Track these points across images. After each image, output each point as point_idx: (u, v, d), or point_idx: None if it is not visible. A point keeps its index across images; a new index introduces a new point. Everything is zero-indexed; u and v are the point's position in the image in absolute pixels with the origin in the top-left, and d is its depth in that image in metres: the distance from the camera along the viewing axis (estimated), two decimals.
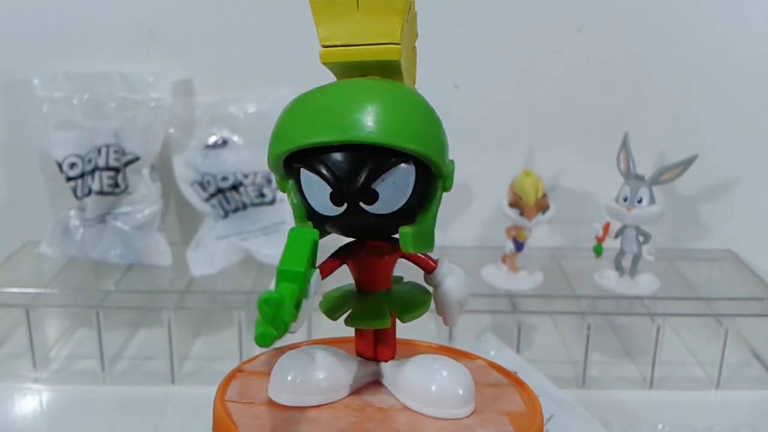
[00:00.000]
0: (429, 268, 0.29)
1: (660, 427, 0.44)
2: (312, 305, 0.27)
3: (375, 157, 0.25)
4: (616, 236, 0.53)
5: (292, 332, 0.26)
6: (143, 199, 0.58)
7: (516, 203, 0.53)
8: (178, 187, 0.60)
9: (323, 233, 0.28)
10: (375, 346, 0.29)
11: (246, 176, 0.59)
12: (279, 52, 0.60)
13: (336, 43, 0.28)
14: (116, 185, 0.57)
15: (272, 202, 0.59)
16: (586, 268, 0.56)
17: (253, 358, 0.32)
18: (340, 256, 0.29)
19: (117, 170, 0.57)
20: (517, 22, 0.60)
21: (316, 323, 0.51)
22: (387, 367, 0.29)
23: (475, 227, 0.64)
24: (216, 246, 0.58)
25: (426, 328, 0.54)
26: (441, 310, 0.29)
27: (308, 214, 0.28)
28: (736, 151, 0.62)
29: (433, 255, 0.29)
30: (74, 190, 0.58)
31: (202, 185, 0.59)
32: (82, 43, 0.60)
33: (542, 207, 0.54)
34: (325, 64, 0.29)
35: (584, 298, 0.52)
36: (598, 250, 0.54)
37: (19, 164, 0.63)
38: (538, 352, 0.54)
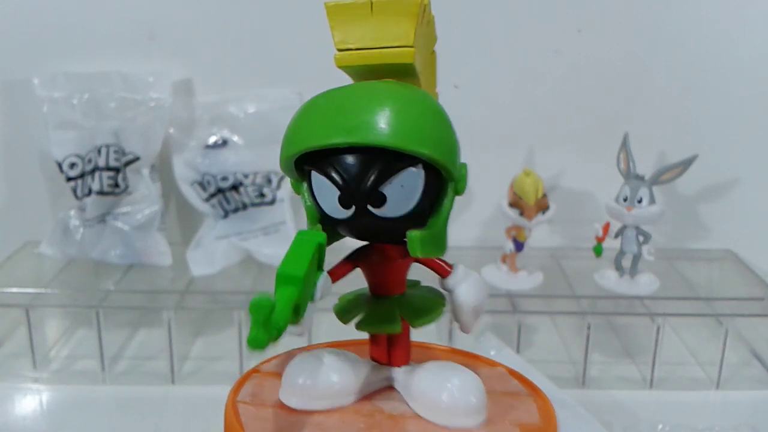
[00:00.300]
0: (443, 273, 0.29)
1: (660, 427, 0.44)
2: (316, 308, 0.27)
3: (383, 160, 0.25)
4: (616, 236, 0.53)
5: (299, 335, 0.26)
6: (143, 199, 0.58)
7: (516, 203, 0.53)
8: (178, 187, 0.60)
9: (336, 236, 0.28)
10: (389, 351, 0.29)
11: (246, 176, 0.59)
12: (279, 52, 0.60)
13: (350, 46, 0.28)
14: (116, 185, 0.57)
15: (272, 202, 0.59)
16: (586, 268, 0.56)
17: (271, 359, 0.32)
18: (352, 259, 0.29)
19: (117, 170, 0.57)
20: (517, 22, 0.60)
21: (315, 325, 0.51)
22: (400, 373, 0.29)
23: (475, 227, 0.64)
24: (216, 246, 0.58)
25: (426, 327, 0.54)
26: (456, 316, 0.29)
27: (320, 217, 0.28)
28: (736, 151, 0.62)
29: (450, 259, 0.29)
30: (74, 190, 0.58)
31: (202, 185, 0.59)
32: (82, 43, 0.60)
33: (542, 207, 0.54)
34: (340, 67, 0.29)
35: (584, 298, 0.52)
36: (598, 250, 0.54)
37: (19, 164, 0.63)
38: (538, 352, 0.54)
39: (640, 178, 0.52)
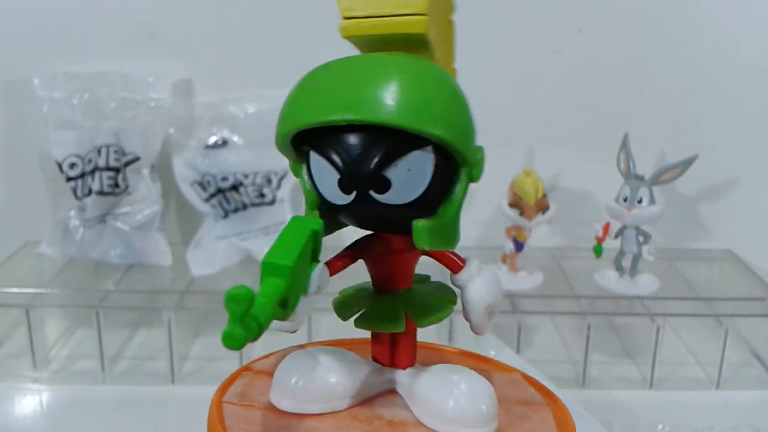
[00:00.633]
0: (454, 268, 0.26)
1: (660, 427, 0.44)
2: (312, 303, 0.25)
3: (388, 141, 0.23)
4: (616, 236, 0.53)
5: (292, 331, 0.24)
6: (143, 199, 0.58)
7: (516, 203, 0.53)
8: (178, 187, 0.60)
9: (337, 225, 0.26)
10: (392, 352, 0.27)
11: (246, 176, 0.59)
12: (279, 52, 0.60)
13: (357, 14, 0.25)
14: (116, 185, 0.57)
15: (272, 202, 0.59)
16: (586, 268, 0.56)
17: (265, 356, 0.30)
18: (353, 250, 0.27)
19: (117, 170, 0.57)
20: (517, 22, 0.60)
21: (316, 322, 0.51)
22: (404, 376, 0.27)
23: (475, 227, 0.64)
24: (216, 246, 0.58)
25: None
26: (467, 315, 0.27)
27: (320, 202, 0.25)
28: (736, 151, 0.62)
29: (463, 253, 0.27)
30: (74, 190, 0.58)
31: (202, 185, 0.59)
32: (82, 43, 0.60)
33: (542, 207, 0.53)
34: (345, 37, 0.26)
35: (584, 298, 0.52)
36: (598, 250, 0.54)
37: (19, 164, 0.63)
38: (538, 352, 0.54)
39: (640, 178, 0.52)
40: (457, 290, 0.27)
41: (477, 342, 0.49)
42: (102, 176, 0.57)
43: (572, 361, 0.53)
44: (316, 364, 0.26)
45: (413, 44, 0.25)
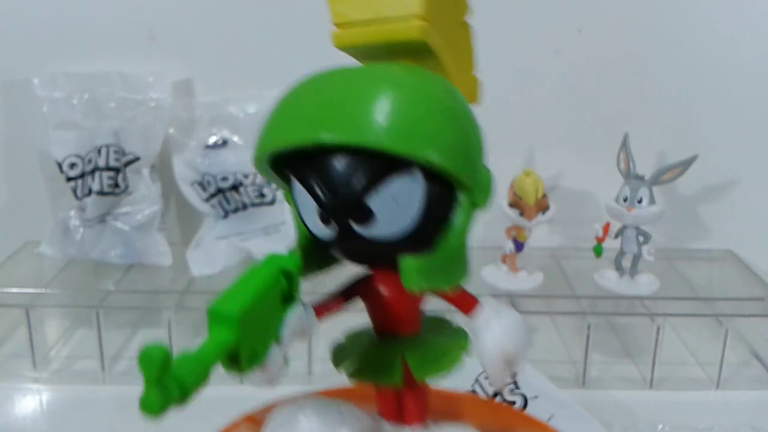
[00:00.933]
0: (465, 310, 0.23)
1: (660, 427, 0.44)
2: (286, 351, 0.22)
3: (367, 165, 0.20)
4: (616, 236, 0.53)
5: (268, 383, 0.21)
6: (143, 199, 0.58)
7: (516, 203, 0.53)
8: (178, 187, 0.60)
9: (333, 259, 0.23)
10: (397, 406, 0.24)
11: (246, 176, 0.59)
12: (279, 52, 0.60)
13: (350, 20, 0.22)
14: (116, 185, 0.57)
15: (272, 202, 0.59)
16: (586, 268, 0.56)
17: (270, 405, 0.26)
18: (348, 290, 0.24)
19: (117, 170, 0.57)
20: (517, 22, 0.60)
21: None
22: None
23: (475, 227, 0.64)
24: (216, 246, 0.58)
25: None
26: (482, 365, 0.23)
27: (309, 234, 0.22)
28: (736, 151, 0.62)
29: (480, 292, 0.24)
30: (74, 190, 0.58)
31: (202, 185, 0.59)
32: (82, 43, 0.60)
33: (542, 207, 0.53)
34: (339, 48, 0.23)
35: (584, 298, 0.52)
36: (598, 250, 0.54)
37: (19, 164, 0.63)
38: (538, 352, 0.54)
39: (640, 178, 0.52)
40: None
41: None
42: (102, 176, 0.57)
43: (572, 361, 0.53)
44: (309, 423, 0.23)
45: (414, 52, 0.22)
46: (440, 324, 0.25)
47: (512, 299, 0.52)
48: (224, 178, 0.59)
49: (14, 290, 0.52)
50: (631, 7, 0.59)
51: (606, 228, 0.53)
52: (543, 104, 0.62)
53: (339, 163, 0.20)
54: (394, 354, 0.23)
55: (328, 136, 0.19)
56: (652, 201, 0.51)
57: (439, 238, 0.21)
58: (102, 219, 0.58)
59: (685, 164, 0.52)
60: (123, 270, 0.58)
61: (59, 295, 0.53)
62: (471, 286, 0.25)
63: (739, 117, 0.62)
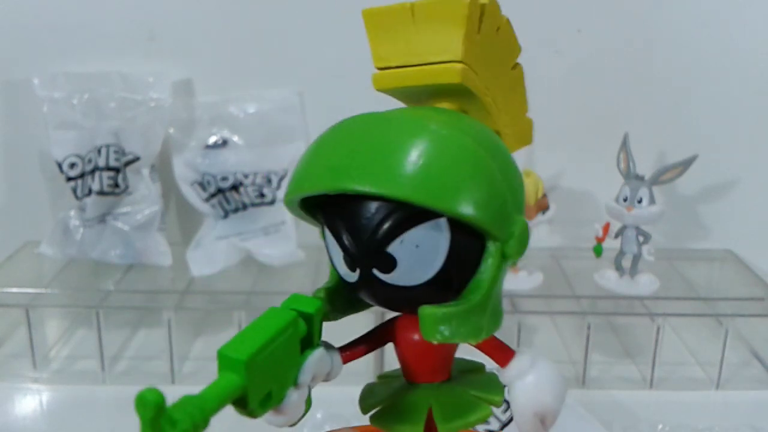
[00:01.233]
0: (500, 361, 0.23)
1: (660, 427, 0.44)
2: (304, 395, 0.22)
3: (393, 214, 0.20)
4: (616, 236, 0.53)
5: (286, 425, 0.22)
6: (143, 199, 0.58)
7: None
8: (178, 187, 0.60)
9: (361, 302, 0.23)
10: None
11: (246, 176, 0.59)
12: (279, 52, 0.60)
13: (390, 64, 0.22)
14: (116, 185, 0.57)
15: (272, 202, 0.59)
16: (586, 268, 0.56)
17: None
18: (378, 333, 0.24)
19: (117, 170, 0.57)
20: (517, 22, 0.60)
21: None
22: None
23: None
24: (216, 246, 0.58)
25: None
26: (515, 420, 0.22)
27: (338, 275, 0.22)
28: (736, 151, 0.62)
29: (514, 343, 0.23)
30: (74, 190, 0.58)
31: (202, 185, 0.59)
32: (82, 43, 0.60)
33: (542, 207, 0.53)
34: (380, 90, 0.23)
35: (584, 298, 0.52)
36: (598, 250, 0.54)
37: (19, 164, 0.63)
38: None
39: (640, 178, 0.52)
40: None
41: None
42: (102, 176, 0.57)
43: (572, 361, 0.53)
44: None
45: (455, 94, 0.22)
46: (474, 371, 0.24)
47: (512, 299, 0.52)
48: (224, 178, 0.59)
49: (14, 290, 0.52)
50: (631, 7, 0.59)
51: (606, 228, 0.53)
52: (543, 104, 0.61)
53: (364, 211, 0.20)
54: (420, 402, 0.23)
55: (352, 186, 0.19)
56: (652, 201, 0.51)
57: (465, 287, 0.21)
58: (102, 219, 0.58)
59: (685, 164, 0.52)
60: (123, 270, 0.58)
61: (59, 295, 0.53)
62: None
63: (739, 117, 0.62)
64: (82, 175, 0.58)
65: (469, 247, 0.21)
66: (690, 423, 0.44)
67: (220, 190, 0.59)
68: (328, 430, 0.27)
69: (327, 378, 0.22)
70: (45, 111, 0.58)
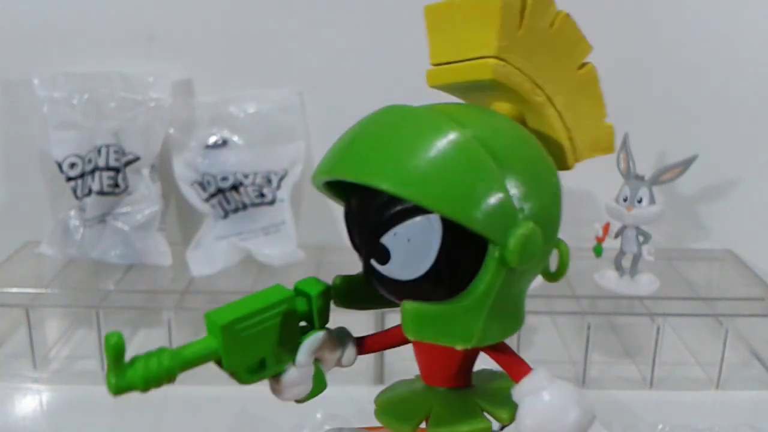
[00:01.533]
0: (514, 376, 0.22)
1: (660, 427, 0.44)
2: (306, 374, 0.23)
3: (386, 205, 0.20)
4: (616, 236, 0.53)
5: (281, 398, 0.23)
6: (143, 199, 0.58)
7: None
8: (178, 187, 0.60)
9: (380, 299, 0.23)
10: None
11: (246, 176, 0.59)
12: (279, 52, 0.60)
13: (439, 60, 0.22)
14: (116, 185, 0.57)
15: (272, 202, 0.59)
16: (586, 268, 0.56)
17: None
18: (397, 332, 0.23)
19: (117, 170, 0.57)
20: None
21: None
22: None
23: None
24: (216, 246, 0.58)
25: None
26: None
27: None
28: (736, 151, 0.62)
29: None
30: (74, 190, 0.58)
31: (202, 185, 0.59)
32: (82, 43, 0.60)
33: None
34: (432, 87, 0.23)
35: (584, 298, 0.52)
36: (598, 250, 0.54)
37: (19, 164, 0.63)
38: (538, 352, 0.54)
39: (640, 178, 0.52)
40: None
41: None
42: (102, 176, 0.57)
43: (572, 361, 0.53)
44: None
45: (504, 93, 0.22)
46: (499, 383, 0.24)
47: None
48: (224, 178, 0.59)
49: (14, 290, 0.52)
50: (630, 8, 0.59)
51: (606, 228, 0.53)
52: None
53: (365, 201, 0.21)
54: (422, 404, 0.23)
55: (342, 174, 0.20)
56: (652, 201, 0.51)
57: (465, 290, 0.21)
58: (102, 219, 0.58)
59: (685, 164, 0.52)
60: (123, 270, 0.58)
61: (59, 295, 0.53)
62: None
63: (738, 117, 0.62)
64: (82, 175, 0.58)
65: (465, 247, 0.20)
66: (690, 423, 0.44)
67: (220, 190, 0.59)
68: (329, 429, 0.27)
69: (339, 363, 0.23)
70: (45, 111, 0.58)
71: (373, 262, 0.21)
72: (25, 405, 0.48)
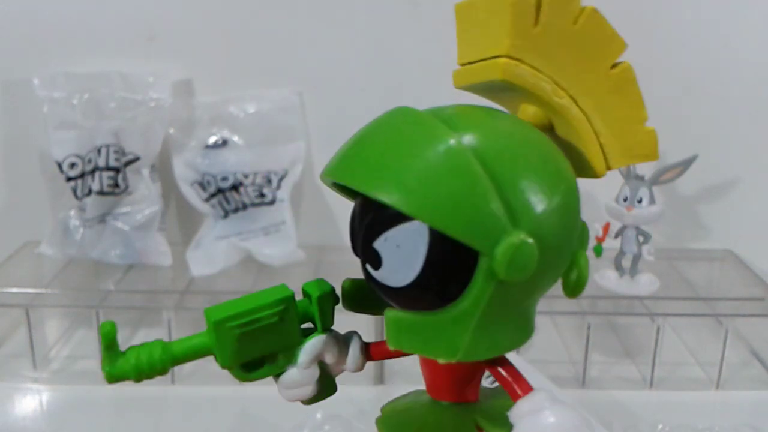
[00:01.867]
0: (512, 395, 0.21)
1: (660, 427, 0.44)
2: (309, 376, 0.23)
3: (377, 209, 0.20)
4: (616, 236, 0.53)
5: (305, 402, 0.23)
6: (143, 199, 0.58)
7: None
8: (178, 187, 0.60)
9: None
10: None
11: (246, 176, 0.59)
12: (279, 52, 0.60)
13: (464, 60, 0.22)
14: (116, 185, 0.57)
15: (272, 202, 0.59)
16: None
17: None
18: None
19: (117, 170, 0.57)
20: None
21: None
22: None
23: None
24: (216, 246, 0.58)
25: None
26: None
27: None
28: (736, 151, 0.62)
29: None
30: (74, 190, 0.58)
31: (202, 185, 0.59)
32: (82, 43, 0.60)
33: None
34: (456, 87, 0.23)
35: (584, 298, 0.52)
36: (598, 250, 0.54)
37: (19, 164, 0.63)
38: (538, 352, 0.54)
39: (640, 178, 0.52)
40: None
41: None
42: (102, 176, 0.57)
43: (572, 361, 0.53)
44: None
45: (523, 94, 0.21)
46: (500, 402, 0.23)
47: None
48: (224, 178, 0.59)
49: (14, 290, 0.52)
50: (630, 8, 0.59)
51: (606, 228, 0.53)
52: None
53: (361, 204, 0.21)
54: (418, 418, 0.23)
55: (335, 176, 0.20)
56: (652, 201, 0.51)
57: (455, 300, 0.20)
58: (102, 219, 0.58)
59: (685, 164, 0.52)
60: (123, 270, 0.58)
61: (59, 295, 0.53)
62: None
63: (738, 117, 0.62)
64: (82, 175, 0.58)
65: (454, 256, 0.20)
66: (690, 423, 0.44)
67: (220, 190, 0.59)
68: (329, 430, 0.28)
69: (346, 367, 0.23)
70: (45, 111, 0.58)
71: (368, 266, 0.21)
72: (25, 405, 0.48)
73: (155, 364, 0.22)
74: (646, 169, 0.53)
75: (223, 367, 0.23)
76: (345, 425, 0.42)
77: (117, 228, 0.58)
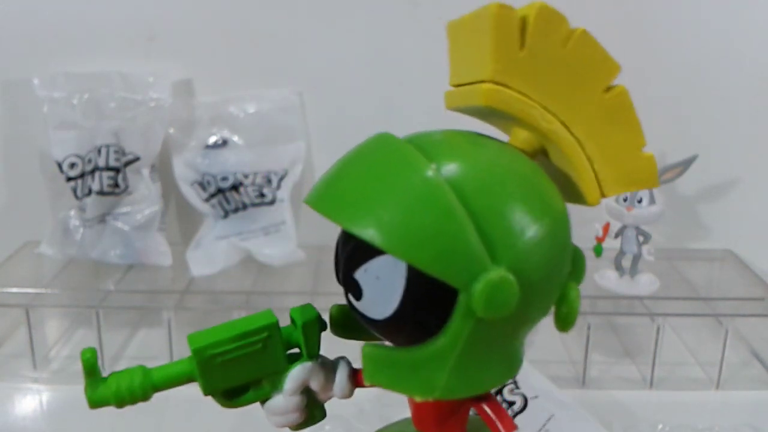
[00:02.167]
0: None
1: (660, 427, 0.44)
2: (294, 404, 0.23)
3: (357, 240, 0.19)
4: (616, 236, 0.53)
5: (293, 429, 0.23)
6: (143, 199, 0.58)
7: None
8: (178, 187, 0.60)
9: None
10: None
11: (246, 176, 0.59)
12: (279, 52, 0.60)
13: (454, 82, 0.22)
14: (116, 185, 0.57)
15: (272, 202, 0.59)
16: (587, 268, 0.56)
17: None
18: None
19: (117, 170, 0.57)
20: None
21: None
22: None
23: None
24: (216, 246, 0.58)
25: None
26: None
27: None
28: (736, 151, 0.62)
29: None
30: (74, 190, 0.58)
31: (202, 185, 0.59)
32: (82, 43, 0.60)
33: None
34: (448, 109, 0.23)
35: (584, 298, 0.52)
36: (598, 250, 0.54)
37: (19, 164, 0.63)
38: (538, 352, 0.54)
39: None
40: None
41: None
42: (102, 176, 0.57)
43: (572, 361, 0.53)
44: None
45: (513, 120, 0.20)
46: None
47: None
48: (224, 178, 0.59)
49: (14, 290, 0.52)
50: (630, 8, 0.59)
51: (606, 228, 0.53)
52: None
53: (345, 233, 0.21)
54: None
55: (314, 205, 0.20)
56: (652, 201, 0.51)
57: (434, 336, 0.19)
58: (102, 219, 0.58)
59: (685, 164, 0.52)
60: (123, 270, 0.58)
61: (59, 295, 0.53)
62: None
63: (738, 117, 0.62)
64: (82, 175, 0.58)
65: (433, 292, 0.19)
66: (690, 423, 0.44)
67: (220, 190, 0.59)
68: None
69: (334, 394, 0.23)
70: (45, 111, 0.58)
71: (350, 296, 0.21)
72: (25, 405, 0.48)
73: (135, 391, 0.22)
74: None
75: (206, 395, 0.23)
76: (345, 425, 0.42)
77: (117, 228, 0.58)
